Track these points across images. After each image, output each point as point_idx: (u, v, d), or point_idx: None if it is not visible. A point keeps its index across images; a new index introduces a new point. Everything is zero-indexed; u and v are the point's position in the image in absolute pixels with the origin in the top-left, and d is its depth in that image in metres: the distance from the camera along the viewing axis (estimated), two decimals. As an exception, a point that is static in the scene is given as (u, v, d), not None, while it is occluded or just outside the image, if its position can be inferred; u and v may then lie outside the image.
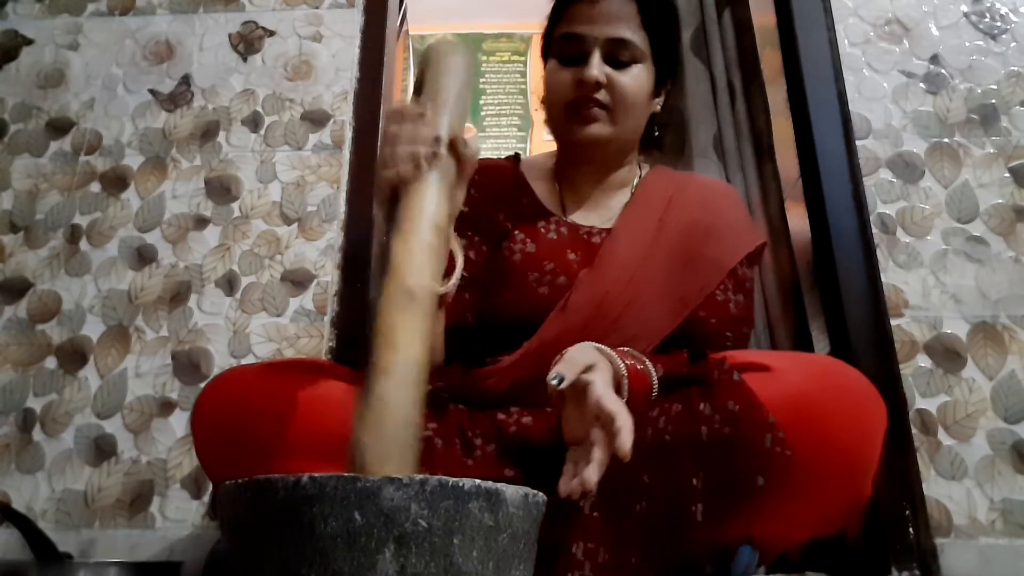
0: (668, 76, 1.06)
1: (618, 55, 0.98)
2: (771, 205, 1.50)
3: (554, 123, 1.05)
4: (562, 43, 1.01)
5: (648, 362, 0.80)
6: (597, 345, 0.77)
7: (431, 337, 0.63)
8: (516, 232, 1.00)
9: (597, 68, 0.96)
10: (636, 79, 0.99)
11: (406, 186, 0.68)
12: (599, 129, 0.98)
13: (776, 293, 1.44)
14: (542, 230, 1.01)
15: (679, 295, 0.94)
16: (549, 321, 0.91)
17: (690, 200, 1.03)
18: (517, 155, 1.15)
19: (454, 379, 0.91)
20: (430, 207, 0.68)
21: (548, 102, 1.05)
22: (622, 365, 0.76)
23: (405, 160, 0.68)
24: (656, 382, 0.78)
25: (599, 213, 1.05)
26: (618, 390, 0.74)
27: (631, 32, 0.98)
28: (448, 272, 0.73)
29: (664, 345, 0.91)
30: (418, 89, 0.77)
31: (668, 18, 1.05)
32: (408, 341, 0.60)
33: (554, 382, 0.70)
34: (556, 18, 1.05)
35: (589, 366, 0.72)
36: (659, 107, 1.06)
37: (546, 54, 1.07)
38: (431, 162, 0.69)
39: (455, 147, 0.71)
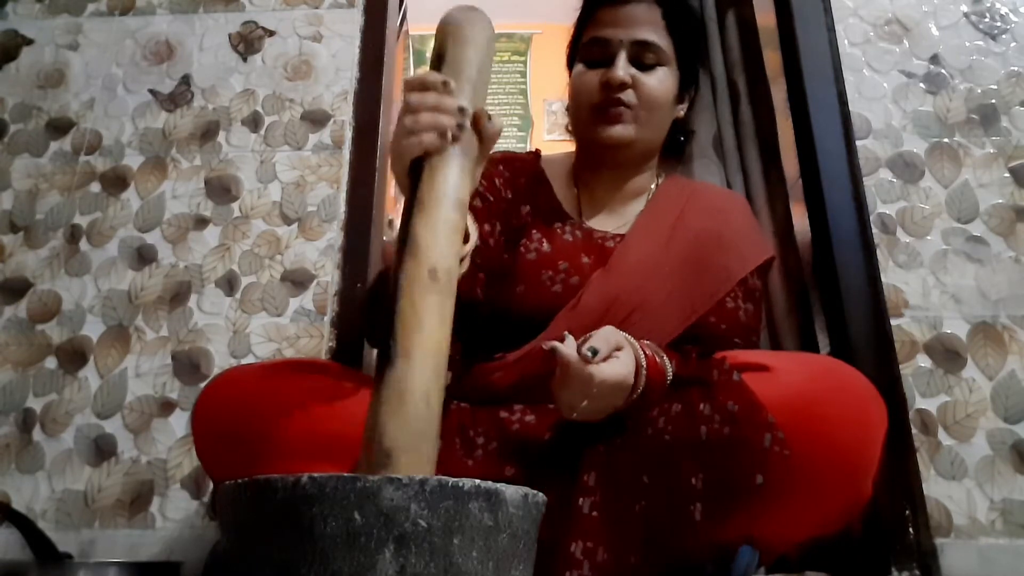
0: (692, 82, 1.07)
1: (643, 57, 0.99)
2: (776, 207, 1.50)
3: (579, 125, 1.06)
4: (589, 47, 1.03)
5: (664, 356, 0.81)
6: (622, 332, 0.78)
7: (451, 318, 0.60)
8: (533, 231, 1.00)
9: (623, 69, 0.98)
10: (661, 81, 1.00)
11: (428, 158, 0.64)
12: (624, 130, 0.99)
13: (780, 293, 1.44)
14: (558, 231, 1.01)
15: (688, 301, 0.95)
16: (558, 319, 0.92)
17: (702, 208, 1.04)
18: (538, 151, 1.15)
19: (456, 375, 0.91)
20: (453, 183, 0.64)
21: (574, 104, 1.05)
22: (642, 355, 0.78)
23: (429, 130, 0.64)
24: (671, 375, 0.80)
25: (615, 219, 1.05)
26: (636, 378, 0.76)
27: (656, 35, 1.00)
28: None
29: (672, 346, 0.91)
30: (437, 60, 0.73)
31: (691, 25, 1.06)
32: (432, 324, 0.57)
33: (589, 354, 0.71)
34: (583, 24, 1.06)
35: (618, 347, 0.75)
36: (683, 113, 1.07)
37: (572, 60, 1.08)
38: (456, 135, 0.65)
39: (478, 122, 0.67)
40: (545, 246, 0.98)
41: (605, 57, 1.00)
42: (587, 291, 0.94)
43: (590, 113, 1.01)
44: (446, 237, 0.62)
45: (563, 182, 1.09)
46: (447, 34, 0.73)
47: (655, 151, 1.08)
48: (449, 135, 0.65)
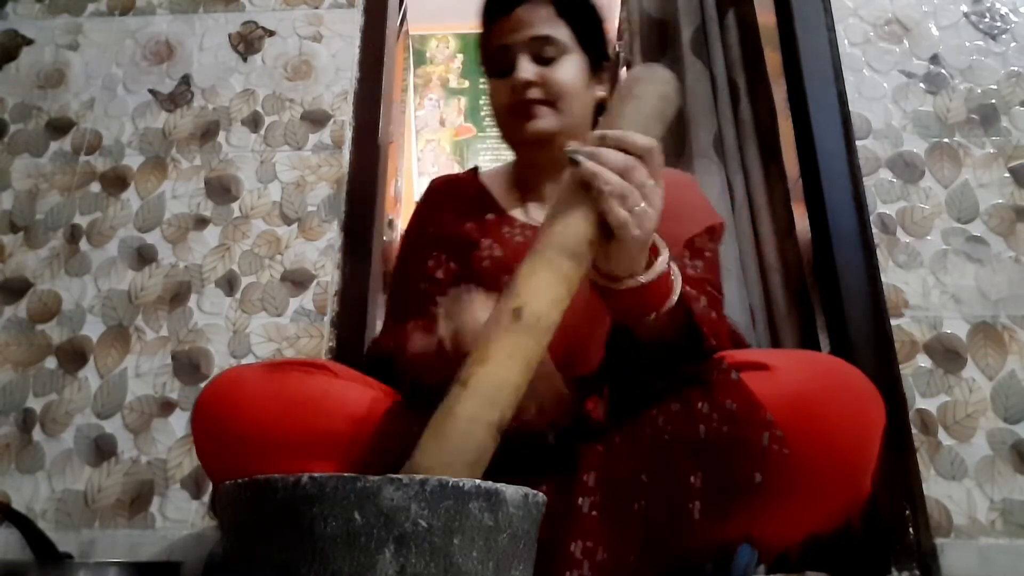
0: (603, 60, 1.08)
1: (543, 52, 1.01)
2: (776, 205, 1.51)
3: (505, 132, 1.08)
4: (494, 59, 1.05)
5: (678, 281, 0.78)
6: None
7: (535, 362, 0.59)
8: (483, 240, 1.01)
9: (525, 70, 1.00)
10: (567, 70, 1.01)
11: (564, 205, 0.63)
12: (544, 123, 1.01)
13: (781, 293, 1.44)
14: (507, 235, 1.02)
15: None
16: None
17: None
18: (476, 168, 1.17)
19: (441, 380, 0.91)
20: (572, 232, 0.63)
21: (496, 116, 1.07)
22: (667, 257, 0.74)
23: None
24: (674, 299, 0.76)
25: None
26: (650, 264, 0.73)
27: (550, 28, 1.01)
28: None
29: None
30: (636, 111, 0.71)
31: (585, 6, 1.06)
32: (499, 360, 0.57)
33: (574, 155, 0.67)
34: (485, 39, 1.07)
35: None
36: (604, 92, 1.08)
37: (488, 75, 1.09)
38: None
39: None
40: (497, 251, 0.99)
41: (509, 64, 1.01)
42: None
43: (509, 118, 1.03)
44: (544, 281, 0.60)
45: (505, 189, 1.11)
46: (669, 102, 0.72)
47: (584, 136, 1.08)
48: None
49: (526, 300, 0.59)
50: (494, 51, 1.04)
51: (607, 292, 0.74)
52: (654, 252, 0.74)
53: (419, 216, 1.13)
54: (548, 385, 0.77)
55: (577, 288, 0.63)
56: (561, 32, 1.02)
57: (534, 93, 1.00)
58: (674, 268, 0.78)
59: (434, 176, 1.20)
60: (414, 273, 1.04)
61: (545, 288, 0.60)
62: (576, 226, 0.63)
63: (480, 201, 1.09)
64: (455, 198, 1.10)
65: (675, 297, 0.77)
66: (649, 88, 0.71)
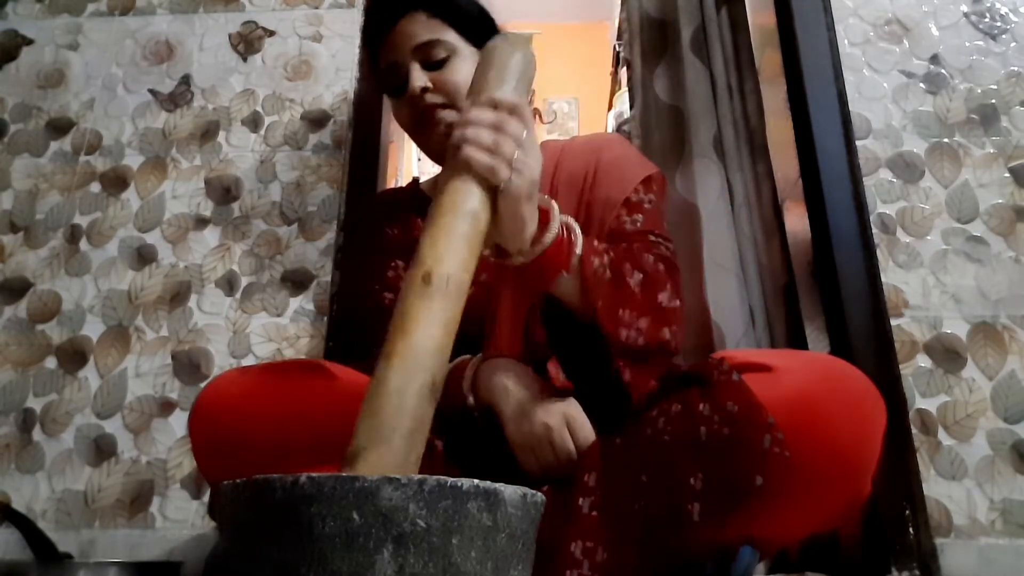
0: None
1: (432, 57, 1.01)
2: (764, 204, 1.51)
3: (420, 146, 1.08)
4: (387, 79, 1.05)
5: (579, 243, 0.80)
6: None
7: (453, 324, 0.60)
8: None
9: (418, 78, 0.99)
10: (459, 69, 1.01)
11: (455, 172, 0.66)
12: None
13: (772, 292, 1.44)
14: None
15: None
16: (493, 317, 0.92)
17: (574, 154, 1.05)
18: (416, 179, 1.18)
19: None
20: (461, 196, 0.65)
21: (407, 132, 1.07)
22: (558, 222, 0.78)
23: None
24: (576, 255, 0.80)
25: None
26: (545, 222, 0.77)
27: (430, 32, 1.01)
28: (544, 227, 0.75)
29: None
30: (500, 75, 0.74)
31: (460, 3, 1.05)
32: (419, 327, 0.57)
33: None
34: (376, 63, 1.07)
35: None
36: None
37: (389, 97, 1.09)
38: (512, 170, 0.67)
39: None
40: None
41: (403, 78, 1.01)
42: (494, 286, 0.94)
43: (419, 132, 1.04)
44: (446, 244, 0.62)
45: None
46: (528, 62, 0.76)
47: None
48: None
49: (432, 265, 0.60)
50: (386, 71, 1.04)
51: (509, 269, 0.77)
52: (546, 220, 0.77)
53: (366, 231, 1.13)
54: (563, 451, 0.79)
55: (480, 247, 0.65)
56: (445, 33, 1.01)
57: (432, 98, 0.99)
58: (575, 230, 0.80)
59: (430, 176, 1.20)
60: (378, 287, 1.03)
61: (447, 251, 0.61)
62: (464, 189, 0.65)
63: (421, 208, 1.09)
64: (397, 208, 1.11)
65: (576, 256, 0.79)
66: (508, 53, 0.75)
